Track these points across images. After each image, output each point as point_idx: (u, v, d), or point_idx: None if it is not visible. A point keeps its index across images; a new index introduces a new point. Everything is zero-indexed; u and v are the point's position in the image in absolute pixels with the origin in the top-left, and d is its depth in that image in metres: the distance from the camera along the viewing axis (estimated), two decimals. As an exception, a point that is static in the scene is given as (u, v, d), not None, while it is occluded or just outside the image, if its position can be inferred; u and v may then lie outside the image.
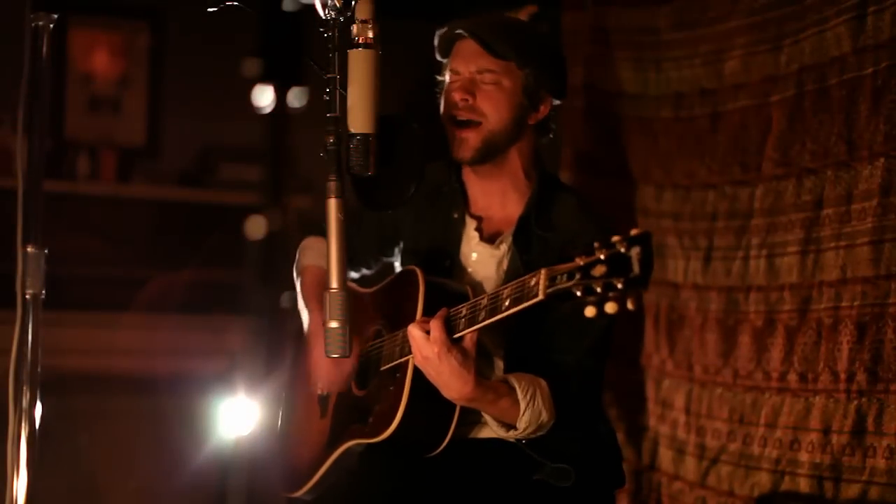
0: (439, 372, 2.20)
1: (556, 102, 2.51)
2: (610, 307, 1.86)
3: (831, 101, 2.68)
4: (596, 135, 3.56)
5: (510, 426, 2.30)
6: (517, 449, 2.40)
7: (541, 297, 2.02)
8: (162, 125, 4.69)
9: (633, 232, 1.87)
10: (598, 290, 1.87)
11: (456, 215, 2.53)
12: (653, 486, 3.27)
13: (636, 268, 1.84)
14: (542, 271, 2.02)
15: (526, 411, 2.27)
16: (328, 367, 2.47)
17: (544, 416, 2.29)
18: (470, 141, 2.43)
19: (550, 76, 2.48)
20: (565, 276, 1.96)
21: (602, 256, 1.88)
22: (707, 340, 3.06)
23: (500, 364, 2.43)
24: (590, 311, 1.90)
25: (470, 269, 2.49)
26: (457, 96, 2.42)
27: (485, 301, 2.19)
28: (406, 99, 2.63)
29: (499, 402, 2.27)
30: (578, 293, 1.91)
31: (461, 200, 2.54)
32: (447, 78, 2.48)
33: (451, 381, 2.20)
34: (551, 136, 2.54)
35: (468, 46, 2.45)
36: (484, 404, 2.27)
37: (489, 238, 2.50)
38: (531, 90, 2.45)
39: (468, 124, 2.43)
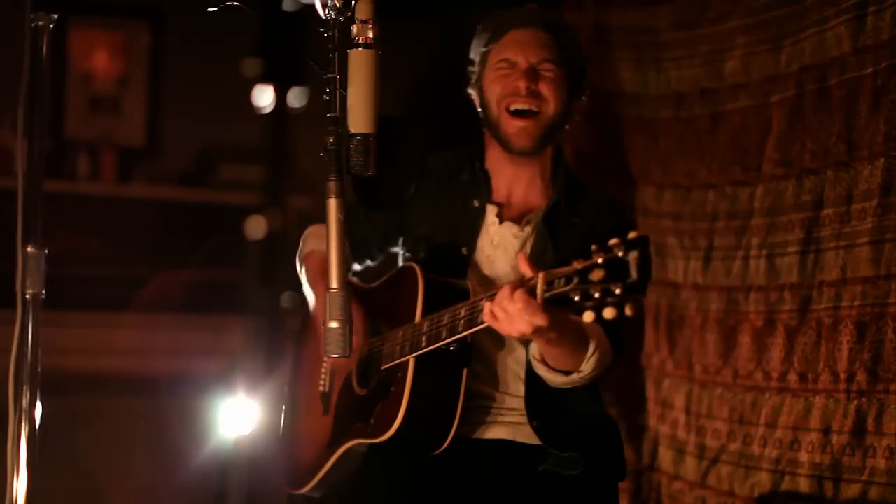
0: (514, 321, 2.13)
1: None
2: (608, 313, 1.86)
3: (831, 101, 2.68)
4: (596, 135, 3.55)
5: (569, 371, 2.29)
6: (521, 448, 2.40)
7: (538, 301, 2.02)
8: (162, 125, 4.68)
9: (631, 235, 1.86)
10: (596, 295, 1.87)
11: (476, 203, 2.54)
12: (653, 486, 3.27)
13: (634, 273, 1.83)
14: (540, 275, 2.02)
15: (595, 351, 2.27)
16: None
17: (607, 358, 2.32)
18: (530, 130, 2.46)
19: (586, 69, 2.56)
20: (563, 280, 1.95)
21: (599, 260, 1.87)
22: (707, 340, 3.06)
23: (520, 348, 2.42)
24: (588, 317, 1.89)
25: (489, 255, 2.50)
26: (521, 84, 2.45)
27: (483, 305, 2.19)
28: (406, 99, 2.64)
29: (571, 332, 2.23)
30: (576, 298, 1.90)
31: (483, 189, 2.54)
32: (496, 65, 2.49)
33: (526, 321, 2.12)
34: (567, 126, 2.58)
35: (529, 36, 2.48)
36: (560, 325, 2.17)
37: (513, 220, 2.51)
38: (578, 81, 2.52)
39: (528, 114, 2.46)
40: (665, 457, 3.22)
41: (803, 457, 2.69)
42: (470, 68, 2.55)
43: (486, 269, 2.49)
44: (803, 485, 2.68)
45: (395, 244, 2.65)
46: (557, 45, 2.47)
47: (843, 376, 2.58)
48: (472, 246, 2.51)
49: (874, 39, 2.55)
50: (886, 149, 2.51)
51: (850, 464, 2.55)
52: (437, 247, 2.53)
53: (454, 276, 2.46)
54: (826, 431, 2.62)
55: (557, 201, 2.49)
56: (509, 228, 2.50)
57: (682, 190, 3.20)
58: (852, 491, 2.54)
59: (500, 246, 2.49)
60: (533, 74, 2.45)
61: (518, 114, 2.46)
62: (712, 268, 3.06)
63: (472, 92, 2.56)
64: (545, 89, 2.46)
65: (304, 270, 2.65)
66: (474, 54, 2.55)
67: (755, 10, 2.95)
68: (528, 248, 2.46)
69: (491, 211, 2.53)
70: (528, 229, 2.48)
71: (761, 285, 2.88)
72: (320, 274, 2.57)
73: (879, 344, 2.49)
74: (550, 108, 2.46)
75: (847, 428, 2.56)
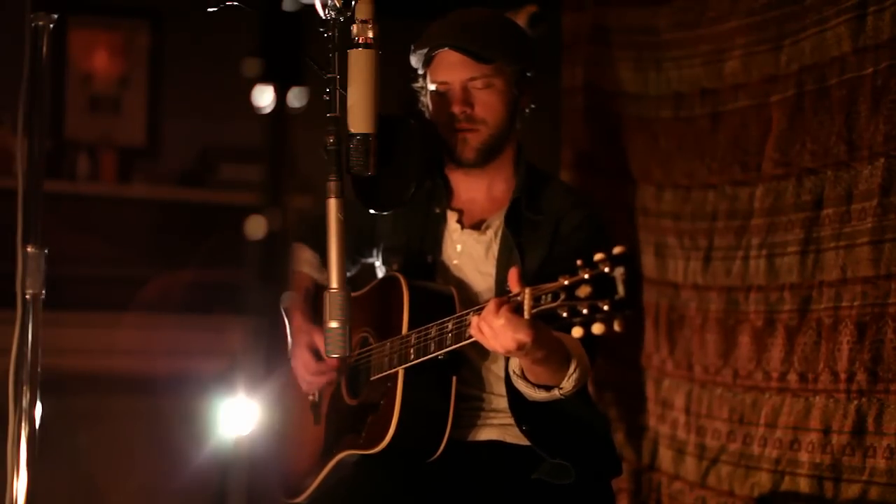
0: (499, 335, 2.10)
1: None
2: (597, 328, 1.85)
3: (831, 101, 2.68)
4: (596, 135, 3.55)
5: (550, 386, 2.25)
6: (515, 450, 2.40)
7: (525, 317, 2.01)
8: (162, 125, 4.68)
9: (616, 250, 1.85)
10: (584, 311, 1.86)
11: (438, 210, 2.53)
12: (653, 486, 3.27)
13: (621, 289, 1.83)
14: (527, 290, 2.00)
15: (576, 369, 2.23)
16: (307, 369, 2.48)
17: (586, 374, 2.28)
18: (472, 141, 2.44)
19: (530, 61, 2.50)
20: (549, 297, 1.94)
21: (586, 276, 1.86)
22: (707, 340, 3.06)
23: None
24: (577, 332, 1.88)
25: (456, 262, 2.49)
26: (456, 109, 2.43)
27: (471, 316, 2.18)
28: (406, 99, 2.64)
29: (554, 347, 2.19)
30: (564, 314, 1.90)
31: (444, 195, 2.54)
32: (432, 87, 2.47)
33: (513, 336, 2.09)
34: (527, 111, 2.54)
35: (453, 56, 2.44)
36: (546, 343, 2.15)
37: (473, 226, 2.50)
38: (520, 80, 2.47)
39: (469, 131, 2.44)
40: (665, 457, 3.22)
41: (803, 457, 2.69)
42: (414, 85, 2.54)
43: (455, 277, 2.48)
44: (803, 485, 2.68)
45: (369, 255, 2.64)
46: (483, 59, 2.42)
47: (843, 376, 2.58)
48: (438, 253, 2.50)
49: (874, 39, 2.55)
50: (886, 149, 2.51)
51: (850, 464, 2.55)
52: (407, 256, 2.52)
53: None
54: (826, 431, 2.62)
55: (518, 201, 2.46)
56: (470, 234, 2.49)
57: (682, 190, 3.20)
58: (852, 491, 2.54)
59: (464, 252, 2.48)
60: (466, 96, 2.42)
61: (459, 130, 2.45)
62: (712, 268, 3.06)
63: (423, 103, 2.54)
64: (480, 109, 2.43)
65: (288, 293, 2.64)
66: (415, 68, 2.53)
67: (755, 10, 2.95)
68: (494, 253, 2.45)
69: (452, 217, 2.52)
70: (489, 233, 2.47)
71: (761, 285, 2.88)
72: (297, 298, 2.57)
73: (879, 344, 2.49)
74: (489, 125, 2.44)
75: (847, 428, 2.56)
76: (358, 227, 2.58)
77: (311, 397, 2.59)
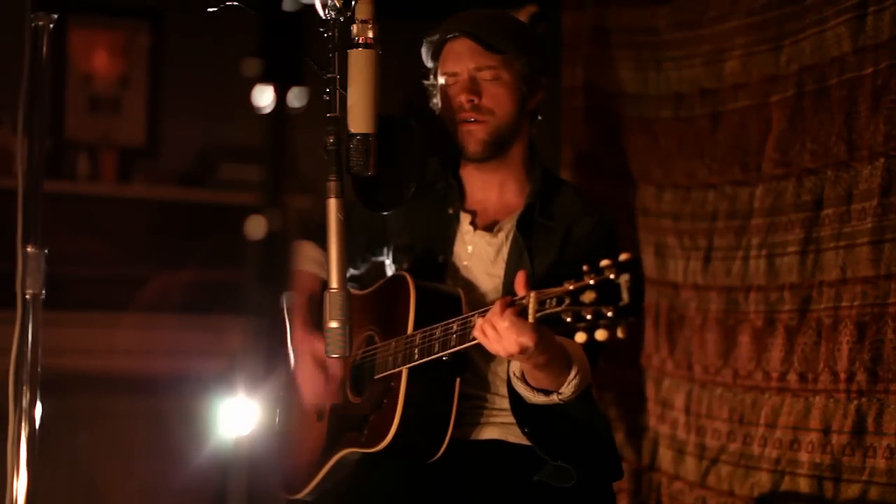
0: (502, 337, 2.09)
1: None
2: (600, 335, 1.85)
3: (831, 101, 2.68)
4: (596, 135, 3.56)
5: (549, 391, 2.24)
6: (517, 450, 2.40)
7: (529, 321, 2.01)
8: (162, 125, 4.68)
9: (622, 257, 1.86)
10: (588, 317, 1.87)
11: (451, 211, 2.53)
12: (653, 486, 3.27)
13: (625, 296, 1.83)
14: (532, 294, 2.00)
15: (577, 375, 2.21)
16: (312, 381, 2.48)
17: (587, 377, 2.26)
18: (478, 134, 2.44)
19: (541, 60, 2.51)
20: (554, 301, 1.94)
21: (591, 282, 1.87)
22: (707, 340, 3.06)
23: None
24: (580, 338, 1.89)
25: (466, 263, 2.49)
26: (463, 98, 2.43)
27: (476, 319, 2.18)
28: (406, 99, 2.64)
29: (556, 351, 2.17)
30: (568, 319, 1.90)
31: (457, 196, 2.54)
32: (442, 80, 2.48)
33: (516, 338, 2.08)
34: (539, 118, 2.54)
35: (462, 45, 2.45)
36: (548, 348, 2.14)
37: (485, 228, 2.50)
38: (529, 77, 2.47)
39: (475, 122, 2.44)
40: (665, 457, 3.22)
41: (803, 457, 2.69)
42: (426, 82, 2.54)
43: (464, 278, 2.48)
44: (803, 485, 2.68)
45: (380, 254, 2.64)
46: (492, 49, 2.43)
47: (843, 376, 2.58)
48: (449, 254, 2.50)
49: (874, 39, 2.55)
50: (886, 149, 2.51)
51: (850, 464, 2.55)
52: (418, 256, 2.52)
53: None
54: (826, 431, 2.62)
55: (531, 206, 2.46)
56: (482, 236, 2.48)
57: (682, 190, 3.20)
58: (852, 491, 2.54)
59: (475, 254, 2.48)
60: (473, 86, 2.42)
61: (465, 122, 2.45)
62: (712, 268, 3.06)
63: (433, 102, 2.54)
64: (487, 100, 2.42)
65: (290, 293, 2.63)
66: (427, 65, 2.54)
67: (755, 10, 2.95)
68: (504, 256, 2.45)
69: (465, 219, 2.51)
70: (500, 236, 2.47)
71: (761, 285, 2.88)
72: (300, 301, 2.56)
73: (879, 344, 2.50)
74: (496, 117, 2.43)
75: (847, 428, 2.56)
76: (369, 226, 2.58)
77: (308, 406, 2.59)
